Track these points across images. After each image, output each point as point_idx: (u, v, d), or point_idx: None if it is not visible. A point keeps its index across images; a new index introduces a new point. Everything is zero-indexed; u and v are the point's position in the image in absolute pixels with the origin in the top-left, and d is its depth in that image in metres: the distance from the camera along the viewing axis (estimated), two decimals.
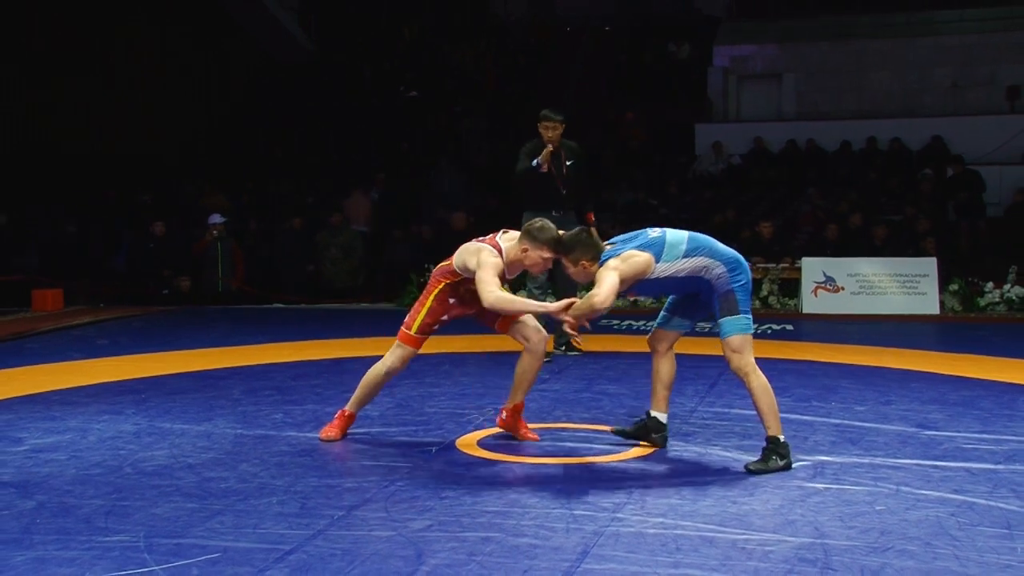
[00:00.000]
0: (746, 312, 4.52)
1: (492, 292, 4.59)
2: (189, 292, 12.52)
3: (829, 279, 11.20)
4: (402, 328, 4.99)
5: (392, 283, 12.36)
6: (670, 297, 4.85)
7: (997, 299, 11.09)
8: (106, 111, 15.66)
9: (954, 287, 11.18)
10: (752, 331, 4.56)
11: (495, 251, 4.73)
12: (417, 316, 4.94)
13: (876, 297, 11.13)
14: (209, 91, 18.25)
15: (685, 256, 4.51)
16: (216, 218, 12.69)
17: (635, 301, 11.13)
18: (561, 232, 4.76)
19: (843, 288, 11.16)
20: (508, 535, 3.62)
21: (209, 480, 4.36)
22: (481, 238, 4.91)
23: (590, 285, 4.58)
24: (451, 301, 4.94)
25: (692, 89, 18.34)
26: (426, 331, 4.98)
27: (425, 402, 6.07)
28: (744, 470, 4.46)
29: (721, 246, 4.62)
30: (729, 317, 4.50)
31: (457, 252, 4.89)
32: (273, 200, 15.16)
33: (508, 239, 4.84)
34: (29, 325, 10.07)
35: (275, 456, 4.77)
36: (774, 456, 4.47)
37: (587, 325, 4.69)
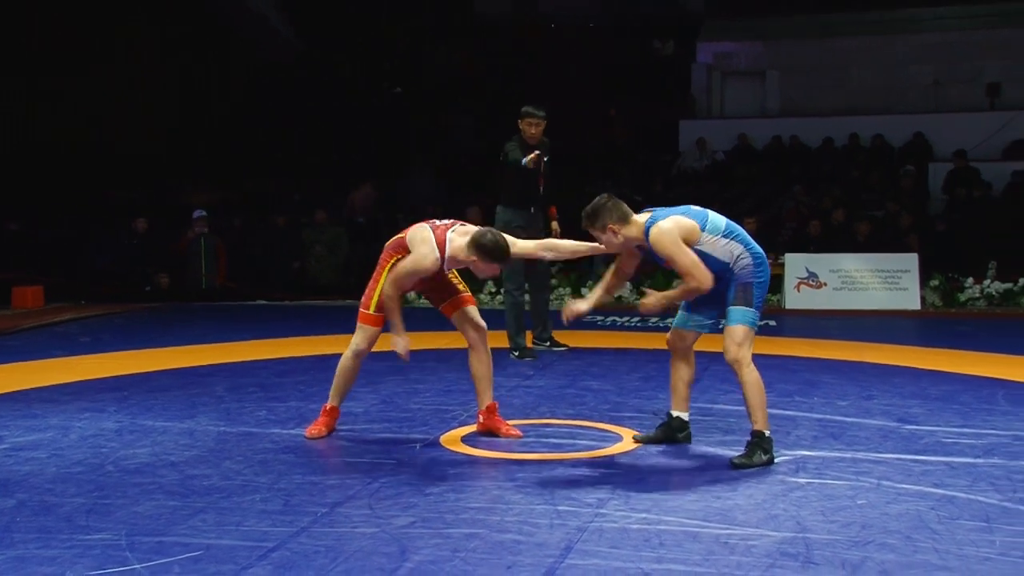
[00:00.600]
0: (759, 308, 4.53)
1: (386, 290, 4.77)
2: (170, 289, 12.48)
3: (811, 275, 11.26)
4: (360, 310, 4.97)
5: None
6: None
7: (977, 294, 11.18)
8: (90, 108, 15.58)
9: (935, 282, 11.26)
10: (757, 329, 4.55)
11: (438, 248, 4.72)
12: (373, 295, 4.93)
13: (858, 293, 11.19)
14: (195, 89, 18.17)
15: (724, 235, 4.49)
16: (199, 213, 12.65)
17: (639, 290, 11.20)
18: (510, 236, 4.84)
19: (825, 284, 11.22)
20: (492, 531, 3.63)
21: (192, 478, 4.35)
22: (438, 223, 4.86)
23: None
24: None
25: (676, 86, 18.38)
26: (383, 309, 4.93)
27: (410, 399, 6.07)
28: (729, 464, 4.48)
29: (751, 239, 4.61)
30: (741, 307, 4.49)
31: (413, 228, 4.88)
32: (258, 197, 15.14)
33: (461, 233, 4.77)
34: (10, 322, 10.00)
35: (258, 453, 4.76)
36: (759, 451, 4.48)
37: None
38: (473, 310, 5.02)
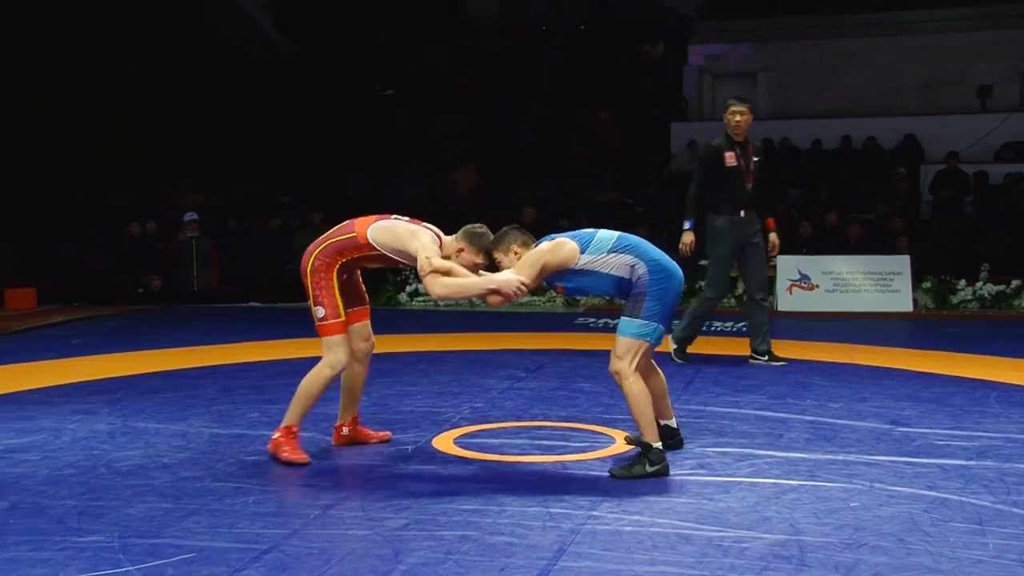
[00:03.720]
0: (650, 319, 4.40)
1: (438, 283, 4.38)
2: (161, 291, 12.45)
3: (804, 277, 11.28)
4: (322, 323, 4.64)
5: (369, 282, 12.33)
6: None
7: (969, 296, 11.21)
8: (80, 111, 15.55)
9: (927, 284, 11.29)
10: (651, 339, 4.42)
11: (436, 238, 4.58)
12: (335, 301, 4.62)
13: (850, 295, 11.21)
14: (184, 91, 18.14)
15: (611, 251, 4.44)
16: (190, 216, 12.63)
17: (564, 298, 11.25)
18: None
19: (818, 286, 11.24)
20: (485, 533, 3.62)
21: (184, 480, 4.34)
22: (411, 220, 4.71)
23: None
24: (344, 277, 4.72)
25: (667, 88, 18.40)
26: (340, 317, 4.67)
27: (402, 401, 6.07)
28: (608, 474, 4.41)
29: (653, 250, 4.52)
30: (628, 318, 4.43)
31: (376, 227, 4.62)
32: (249, 199, 15.11)
33: (445, 236, 4.68)
34: (2, 324, 9.97)
35: (251, 455, 4.75)
36: (644, 462, 4.38)
37: (505, 302, 4.53)
38: (366, 325, 4.94)
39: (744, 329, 9.55)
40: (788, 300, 11.22)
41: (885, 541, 3.53)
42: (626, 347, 4.42)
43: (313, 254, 4.67)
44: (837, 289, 11.22)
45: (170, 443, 5.01)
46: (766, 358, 7.29)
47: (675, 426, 4.87)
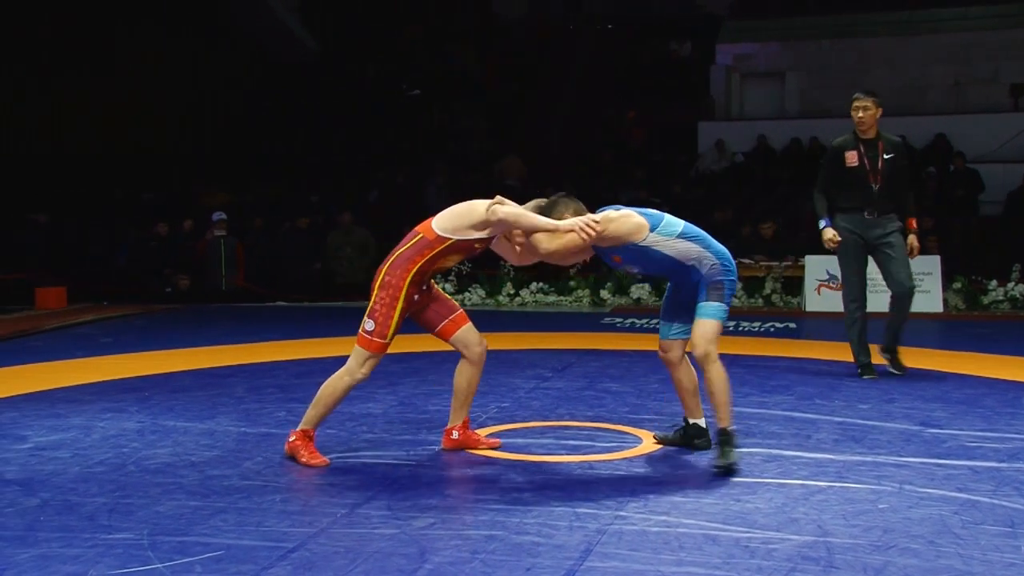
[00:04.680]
0: (727, 307, 4.50)
1: (502, 209, 4.34)
2: (189, 291, 12.55)
3: (832, 277, 11.18)
4: (367, 334, 4.49)
5: None
6: (662, 305, 4.79)
7: (1001, 297, 11.09)
8: (110, 110, 15.70)
9: (957, 285, 11.17)
10: (724, 322, 4.51)
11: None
12: (391, 319, 4.47)
13: (879, 295, 11.04)
14: (214, 90, 18.27)
15: (679, 237, 4.45)
16: (219, 215, 12.71)
17: (590, 298, 11.16)
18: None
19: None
20: (511, 533, 3.62)
21: (212, 478, 4.36)
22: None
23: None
24: (415, 297, 4.61)
25: (695, 87, 18.34)
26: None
27: (428, 400, 6.07)
28: (713, 470, 4.42)
29: (717, 244, 4.58)
30: (714, 303, 4.46)
31: (437, 217, 4.53)
32: (277, 199, 15.20)
33: None
34: (33, 323, 10.09)
35: (278, 454, 4.77)
36: (730, 448, 4.43)
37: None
38: (472, 327, 4.81)
39: (773, 330, 9.50)
40: (816, 300, 11.15)
41: (915, 543, 3.50)
42: (714, 330, 4.45)
43: (383, 271, 4.54)
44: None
45: (198, 441, 5.05)
46: (888, 360, 6.96)
47: (704, 425, 4.85)
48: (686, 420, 4.86)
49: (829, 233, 6.94)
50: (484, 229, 4.46)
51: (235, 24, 18.54)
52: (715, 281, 4.48)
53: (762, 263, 11.74)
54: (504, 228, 4.48)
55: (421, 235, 4.54)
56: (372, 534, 3.62)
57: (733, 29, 18.67)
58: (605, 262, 4.65)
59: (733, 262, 4.59)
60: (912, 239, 6.88)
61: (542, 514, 3.84)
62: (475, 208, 4.47)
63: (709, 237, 4.58)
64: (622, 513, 3.85)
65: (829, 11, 17.87)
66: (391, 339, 4.52)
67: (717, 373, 4.46)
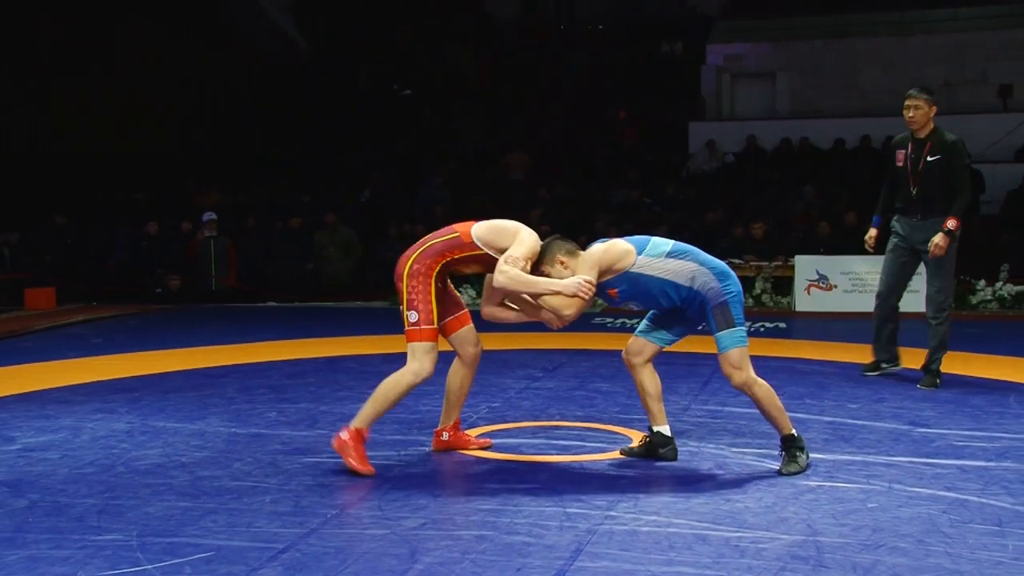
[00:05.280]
0: (741, 323, 4.45)
1: (505, 269, 4.28)
2: (180, 291, 12.52)
3: (822, 277, 11.22)
4: (415, 327, 4.46)
5: (386, 281, 12.36)
6: (651, 310, 4.71)
7: (989, 296, 11.13)
8: (101, 110, 15.65)
9: None
10: (747, 342, 4.47)
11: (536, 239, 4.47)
12: (430, 305, 4.46)
13: (869, 295, 11.03)
14: (205, 90, 18.23)
15: (669, 256, 4.43)
16: (209, 215, 12.69)
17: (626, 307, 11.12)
18: None
19: (836, 286, 11.19)
20: (502, 533, 3.63)
21: (202, 479, 4.36)
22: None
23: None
24: (439, 285, 4.59)
25: (686, 88, 18.36)
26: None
27: (419, 400, 6.06)
28: (779, 474, 4.41)
29: (709, 256, 4.54)
30: (727, 331, 4.41)
31: (481, 224, 4.52)
32: (268, 199, 15.17)
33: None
34: (23, 323, 10.05)
35: (269, 455, 4.77)
36: (797, 451, 4.46)
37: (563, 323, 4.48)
38: (472, 329, 4.82)
39: (763, 330, 9.52)
40: (806, 300, 11.17)
41: (904, 542, 3.51)
42: (740, 357, 4.42)
43: (411, 258, 4.49)
44: (856, 289, 11.15)
45: (188, 442, 5.04)
46: (894, 363, 6.92)
47: (668, 433, 4.71)
48: (650, 428, 4.73)
49: (869, 234, 6.94)
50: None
51: (234, 24, 18.51)
52: (719, 303, 4.43)
53: (752, 263, 11.76)
54: (504, 292, 4.49)
55: (457, 234, 4.52)
56: (363, 534, 3.63)
57: (724, 29, 18.71)
58: (603, 300, 4.63)
59: (730, 272, 4.53)
60: (937, 237, 6.39)
61: (532, 514, 3.84)
62: (515, 234, 4.44)
63: (699, 251, 4.54)
64: (612, 513, 3.86)
65: (820, 11, 17.91)
66: (437, 324, 4.49)
67: (763, 391, 4.47)
